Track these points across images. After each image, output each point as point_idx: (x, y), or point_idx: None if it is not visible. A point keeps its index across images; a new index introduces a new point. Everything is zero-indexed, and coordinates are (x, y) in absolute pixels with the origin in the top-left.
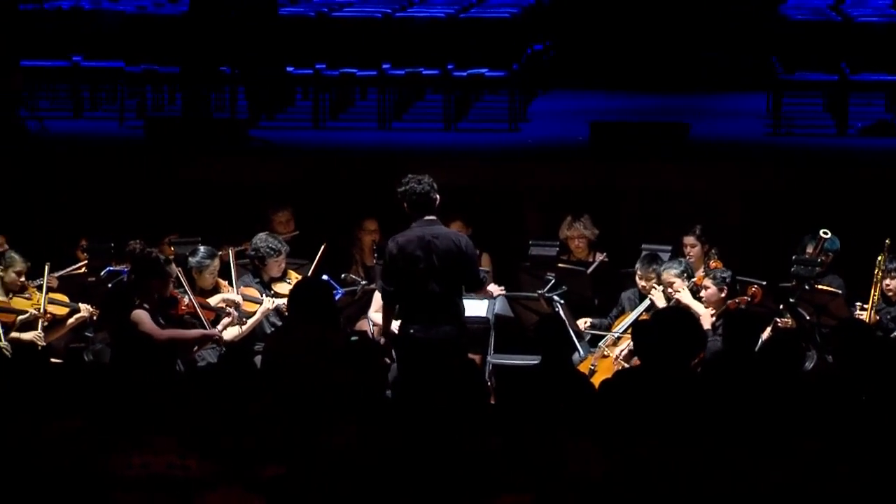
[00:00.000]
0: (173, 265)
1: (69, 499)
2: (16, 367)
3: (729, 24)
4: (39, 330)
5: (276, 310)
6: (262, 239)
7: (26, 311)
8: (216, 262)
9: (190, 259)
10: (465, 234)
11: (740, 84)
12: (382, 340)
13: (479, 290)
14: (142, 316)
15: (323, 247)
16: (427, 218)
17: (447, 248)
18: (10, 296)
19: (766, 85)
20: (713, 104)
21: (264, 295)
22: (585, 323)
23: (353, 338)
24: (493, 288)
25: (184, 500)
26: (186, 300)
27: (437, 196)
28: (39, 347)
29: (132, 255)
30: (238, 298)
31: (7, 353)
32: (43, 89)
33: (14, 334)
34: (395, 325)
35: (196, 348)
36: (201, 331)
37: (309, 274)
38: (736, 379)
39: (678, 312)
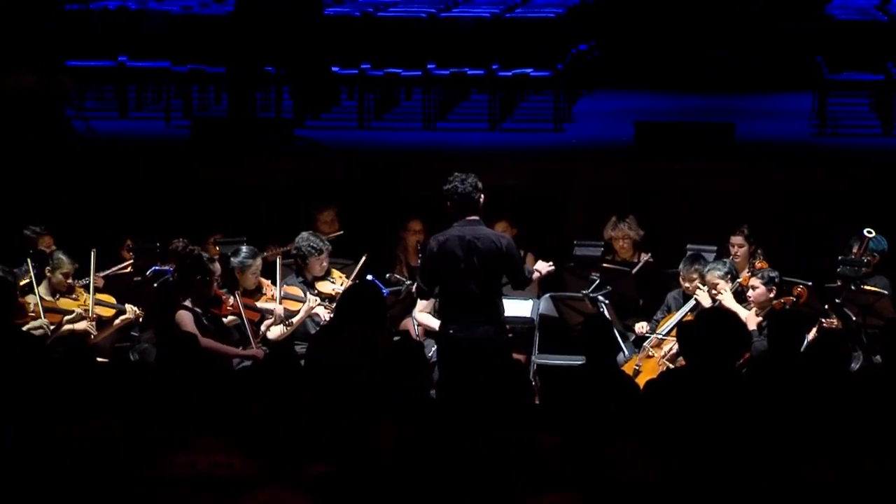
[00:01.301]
0: (217, 264)
1: (115, 498)
2: (62, 366)
3: (774, 23)
4: (90, 322)
5: (321, 309)
6: (303, 238)
7: (73, 311)
8: (258, 261)
9: (232, 259)
10: (507, 235)
11: (786, 84)
12: (419, 334)
13: (526, 286)
14: (184, 317)
15: (364, 257)
16: (469, 218)
17: (488, 248)
18: (57, 296)
19: (811, 85)
20: (759, 104)
21: (307, 294)
22: (643, 327)
23: (396, 338)
24: (542, 265)
25: (229, 499)
26: (231, 300)
27: (481, 196)
28: (92, 336)
29: (175, 253)
30: (280, 310)
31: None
32: (89, 89)
33: (67, 326)
34: (435, 324)
35: (240, 348)
36: (239, 351)
37: (349, 281)
38: (781, 379)
39: (722, 313)
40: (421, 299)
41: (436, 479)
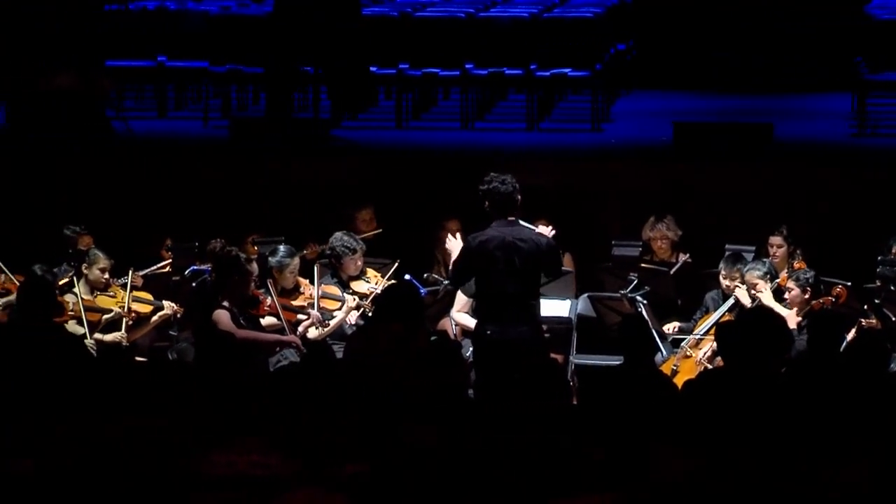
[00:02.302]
0: (254, 264)
1: (154, 497)
2: (101, 365)
3: (814, 24)
4: (123, 330)
5: (358, 309)
6: (338, 238)
7: (111, 310)
8: (296, 261)
9: (270, 258)
10: (547, 235)
11: (825, 84)
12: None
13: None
14: (221, 315)
15: (396, 264)
16: (508, 219)
17: (531, 249)
18: (95, 294)
19: (851, 85)
20: (797, 104)
21: (344, 294)
22: (673, 328)
23: (434, 338)
24: (543, 228)
25: (266, 499)
26: (269, 301)
27: (519, 197)
28: (123, 346)
29: (212, 253)
30: (316, 313)
31: (93, 351)
32: (129, 89)
33: (97, 336)
34: (473, 323)
35: (277, 349)
36: (277, 336)
37: (384, 280)
38: (820, 380)
39: (765, 313)
40: (456, 286)
41: (472, 479)
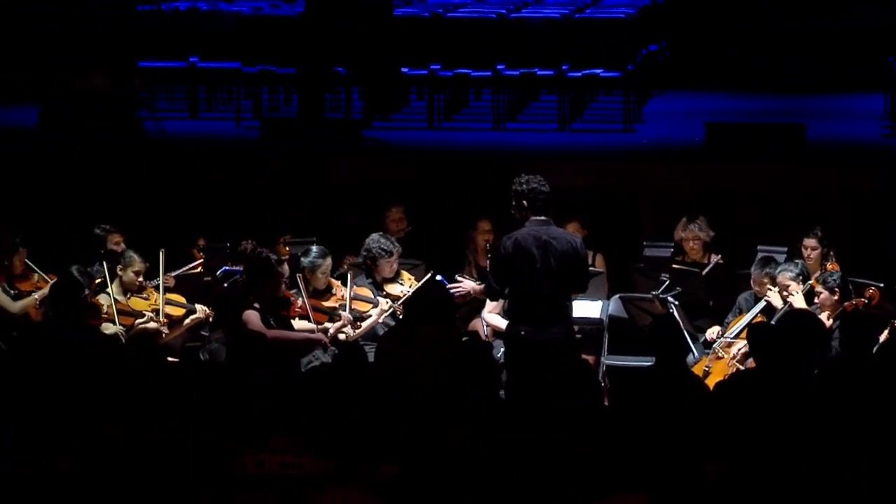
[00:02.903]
0: (285, 265)
1: (186, 497)
2: (135, 366)
3: (846, 23)
4: (161, 321)
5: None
6: (374, 239)
7: (144, 313)
8: (328, 261)
9: (302, 259)
10: (579, 236)
11: (857, 84)
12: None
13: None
14: (251, 316)
15: (428, 275)
16: (541, 218)
17: (565, 249)
18: (129, 296)
19: (883, 85)
20: (830, 105)
21: (377, 296)
22: (714, 332)
23: (465, 338)
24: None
25: (298, 498)
26: (300, 302)
27: (552, 197)
28: (163, 336)
29: (244, 255)
30: (348, 315)
31: (122, 338)
32: (161, 90)
33: (140, 324)
34: (504, 324)
35: (313, 351)
36: (306, 335)
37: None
38: (853, 381)
39: (802, 315)
40: (491, 300)
41: (503, 479)
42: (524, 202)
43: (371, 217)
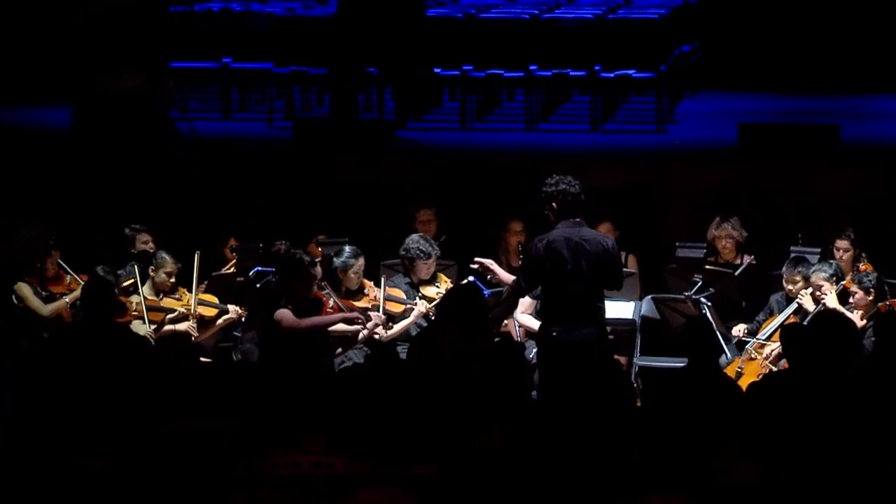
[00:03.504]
0: (318, 267)
1: (219, 497)
2: (166, 366)
3: (879, 23)
4: (192, 321)
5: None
6: (413, 240)
7: (175, 309)
8: (361, 262)
9: (335, 259)
10: (612, 237)
11: (891, 85)
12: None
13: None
14: (283, 313)
15: (468, 278)
16: (574, 219)
17: (597, 250)
18: (161, 296)
19: None
20: (863, 105)
21: (416, 297)
22: (742, 330)
23: (497, 339)
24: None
25: (330, 499)
26: (331, 302)
27: (584, 198)
28: (193, 338)
29: (277, 255)
30: (380, 316)
31: (151, 340)
32: (193, 91)
33: (168, 326)
34: (536, 325)
35: (340, 350)
36: (342, 314)
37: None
38: (887, 381)
39: (835, 316)
40: (518, 297)
41: (537, 480)
42: (554, 204)
43: (404, 218)
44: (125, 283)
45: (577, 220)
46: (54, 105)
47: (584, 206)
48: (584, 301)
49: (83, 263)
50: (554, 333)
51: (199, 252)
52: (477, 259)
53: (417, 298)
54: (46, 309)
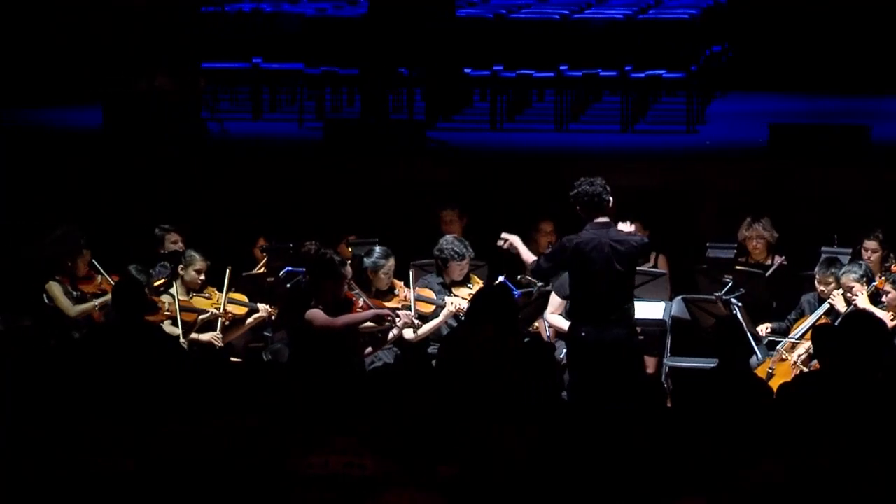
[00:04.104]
0: (348, 267)
1: (249, 497)
2: (197, 365)
3: None
4: (218, 331)
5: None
6: (448, 241)
7: (207, 311)
8: (391, 262)
9: (365, 260)
10: (640, 234)
11: None
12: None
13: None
14: (315, 313)
15: (501, 277)
16: (601, 220)
17: (629, 251)
18: (191, 295)
19: None
20: (894, 106)
21: (445, 297)
22: (766, 329)
23: (527, 339)
24: (622, 226)
25: (360, 499)
26: (361, 302)
27: (610, 198)
28: (217, 347)
29: (307, 256)
30: (408, 315)
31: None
32: (224, 91)
33: (193, 335)
34: (566, 325)
35: (370, 350)
36: (374, 311)
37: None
38: None
39: (865, 317)
40: (532, 276)
41: (565, 481)
42: (577, 206)
43: (434, 218)
44: (156, 283)
45: (605, 220)
46: (86, 105)
47: (603, 206)
48: (612, 302)
49: (114, 263)
50: (583, 334)
51: (230, 267)
52: (504, 234)
53: (447, 298)
54: (74, 310)
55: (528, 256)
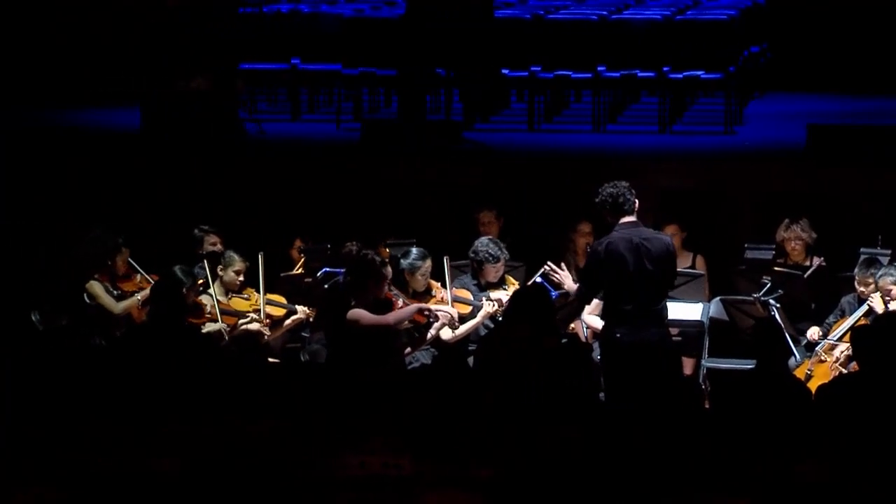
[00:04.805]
0: (388, 267)
1: (287, 497)
2: (236, 366)
3: None
4: (263, 326)
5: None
6: (483, 243)
7: (246, 313)
8: (428, 263)
9: (402, 261)
10: (671, 237)
11: None
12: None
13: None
14: (360, 312)
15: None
16: (629, 220)
17: (660, 251)
18: (230, 296)
19: None
20: None
21: (483, 298)
22: (815, 333)
23: (564, 340)
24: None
25: (398, 499)
26: (400, 302)
27: (635, 199)
28: (265, 338)
29: (349, 256)
30: (448, 314)
31: (225, 334)
32: (262, 92)
33: (242, 321)
34: (599, 324)
35: (409, 350)
36: (417, 305)
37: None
38: None
39: None
40: (582, 304)
41: (602, 481)
42: (603, 210)
43: (471, 220)
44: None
45: (633, 220)
46: (125, 107)
47: (630, 206)
48: (646, 302)
49: (152, 263)
50: (618, 335)
51: (262, 253)
52: (549, 263)
53: (484, 299)
54: (119, 307)
55: (571, 285)
